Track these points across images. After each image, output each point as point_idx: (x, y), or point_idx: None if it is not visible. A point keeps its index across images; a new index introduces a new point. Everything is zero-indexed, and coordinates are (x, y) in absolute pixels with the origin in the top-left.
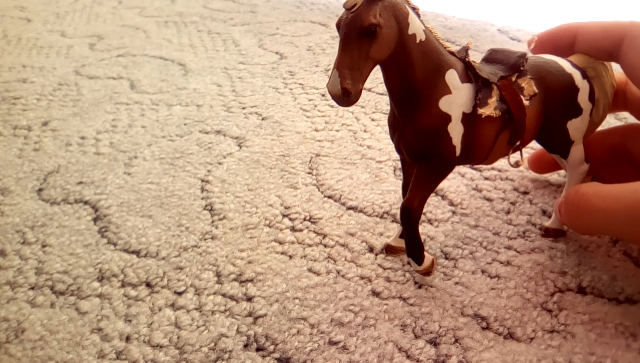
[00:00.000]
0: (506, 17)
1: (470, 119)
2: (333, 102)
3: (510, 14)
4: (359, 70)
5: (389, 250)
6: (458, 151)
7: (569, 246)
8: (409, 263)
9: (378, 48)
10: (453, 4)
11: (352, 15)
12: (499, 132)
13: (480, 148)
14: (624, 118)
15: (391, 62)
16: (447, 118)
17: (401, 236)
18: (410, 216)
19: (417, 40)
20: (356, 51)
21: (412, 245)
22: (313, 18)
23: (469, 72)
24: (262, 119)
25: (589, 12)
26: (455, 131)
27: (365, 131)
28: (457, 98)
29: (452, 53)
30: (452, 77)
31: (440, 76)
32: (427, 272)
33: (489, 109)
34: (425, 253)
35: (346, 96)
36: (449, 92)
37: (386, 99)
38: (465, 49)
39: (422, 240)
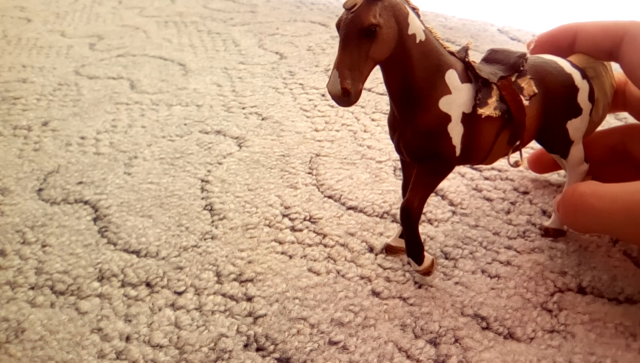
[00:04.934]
0: (506, 17)
1: (470, 119)
2: (333, 102)
3: (510, 14)
4: (359, 70)
5: (388, 250)
6: (458, 151)
7: (569, 246)
8: (409, 263)
9: (378, 48)
10: (453, 4)
11: (352, 16)
12: (498, 132)
13: (480, 148)
14: (624, 118)
15: (391, 63)
16: (447, 118)
17: (401, 236)
18: (410, 216)
19: (417, 41)
20: (356, 51)
21: (412, 245)
22: (313, 18)
23: (469, 72)
24: (262, 119)
25: (589, 12)
26: (455, 131)
27: (365, 131)
28: (457, 98)
29: (451, 53)
30: (452, 77)
31: (440, 76)
32: (427, 272)
33: (489, 109)
34: (425, 253)
35: (346, 96)
36: (448, 92)
37: (386, 99)
38: (465, 49)
39: (422, 240)
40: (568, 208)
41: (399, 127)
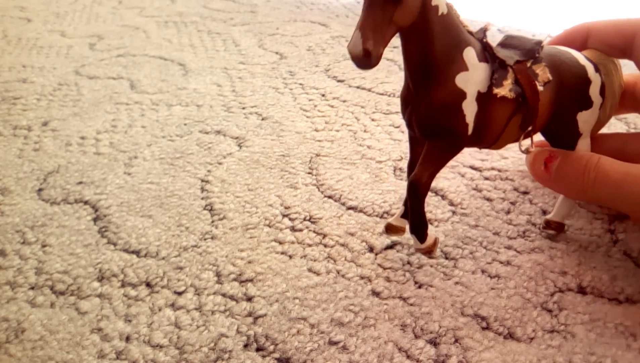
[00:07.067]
0: (506, 17)
1: (484, 99)
2: (333, 102)
3: (510, 14)
4: (381, 33)
5: (389, 228)
6: (470, 130)
7: (569, 246)
8: (411, 242)
9: (402, 13)
10: (453, 4)
11: None
12: (511, 115)
13: (492, 129)
14: (624, 118)
15: (412, 32)
16: (462, 95)
17: (403, 216)
18: (417, 190)
19: (439, 13)
20: (380, 14)
21: (416, 220)
22: (313, 18)
23: (486, 53)
24: (262, 119)
25: (590, 12)
26: (470, 108)
27: (365, 131)
28: (473, 76)
29: (470, 33)
30: (470, 54)
31: (458, 51)
32: (429, 251)
33: (504, 90)
34: (429, 232)
35: (367, 57)
36: (465, 68)
37: (386, 99)
38: (484, 30)
39: None
40: (587, 175)
41: (412, 102)
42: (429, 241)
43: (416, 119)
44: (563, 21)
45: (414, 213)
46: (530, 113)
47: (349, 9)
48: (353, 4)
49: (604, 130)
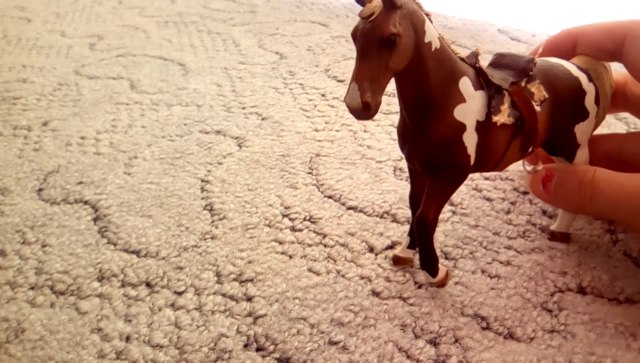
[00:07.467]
0: (506, 17)
1: (483, 127)
2: (333, 102)
3: (510, 14)
4: (379, 82)
5: (396, 261)
6: (472, 160)
7: (569, 246)
8: (422, 275)
9: (397, 58)
10: (453, 4)
11: (370, 25)
12: (511, 139)
13: (494, 156)
14: (624, 118)
15: (406, 72)
16: (462, 127)
17: (409, 246)
18: (426, 227)
19: (433, 49)
20: (375, 63)
21: (426, 257)
22: (313, 18)
23: (481, 79)
24: (262, 119)
25: (589, 11)
26: (470, 140)
27: (365, 131)
28: (471, 106)
29: (462, 59)
30: (465, 85)
31: (454, 84)
32: (442, 284)
33: (503, 116)
34: (440, 265)
35: (366, 110)
36: (463, 100)
37: (386, 99)
38: (475, 55)
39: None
40: (585, 191)
41: (410, 137)
42: (441, 274)
43: (416, 155)
44: (562, 21)
45: (424, 250)
46: (529, 134)
47: (349, 9)
48: (353, 4)
49: (604, 130)
